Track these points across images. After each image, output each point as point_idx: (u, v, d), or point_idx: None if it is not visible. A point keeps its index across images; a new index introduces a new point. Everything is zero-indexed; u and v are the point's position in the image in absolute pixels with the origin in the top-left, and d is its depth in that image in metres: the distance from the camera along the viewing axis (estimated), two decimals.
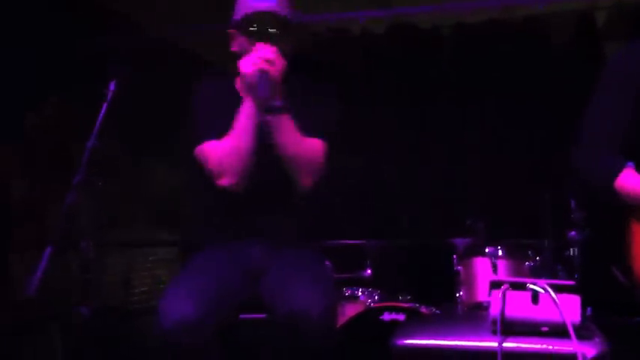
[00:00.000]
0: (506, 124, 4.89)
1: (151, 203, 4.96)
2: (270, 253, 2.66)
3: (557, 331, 2.15)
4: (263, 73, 2.41)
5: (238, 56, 2.60)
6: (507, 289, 2.20)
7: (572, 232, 3.69)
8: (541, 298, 2.16)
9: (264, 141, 2.54)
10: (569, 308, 2.13)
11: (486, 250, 3.72)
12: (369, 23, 4.78)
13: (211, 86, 2.76)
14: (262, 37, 2.54)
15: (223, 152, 2.55)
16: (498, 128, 4.90)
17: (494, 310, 2.20)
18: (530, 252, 3.74)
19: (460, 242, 3.95)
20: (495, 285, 2.25)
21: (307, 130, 2.56)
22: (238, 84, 2.72)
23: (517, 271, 3.63)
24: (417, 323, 2.94)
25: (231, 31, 2.68)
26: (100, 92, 2.57)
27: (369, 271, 4.07)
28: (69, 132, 3.98)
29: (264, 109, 2.47)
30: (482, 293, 3.64)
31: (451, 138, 4.90)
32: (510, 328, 2.20)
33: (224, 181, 2.56)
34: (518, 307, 2.19)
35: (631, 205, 2.29)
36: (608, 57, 4.68)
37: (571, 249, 3.69)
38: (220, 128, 2.56)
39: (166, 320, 2.32)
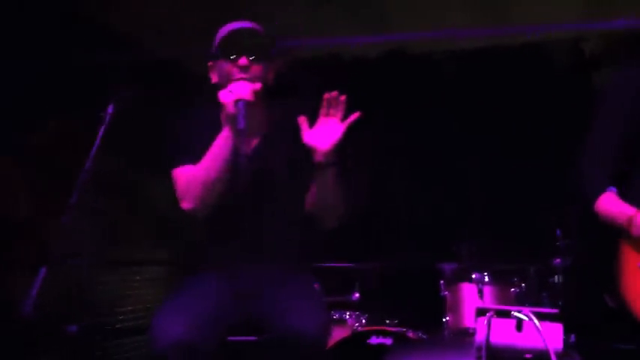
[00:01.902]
0: (495, 152, 4.97)
1: (147, 223, 4.99)
2: (262, 276, 2.69)
3: (541, 358, 2.20)
4: (240, 103, 2.45)
5: (219, 88, 2.63)
6: (492, 316, 2.26)
7: (557, 260, 3.77)
8: (525, 326, 2.22)
9: (256, 167, 2.58)
10: (551, 336, 2.19)
11: (473, 276, 3.79)
12: (360, 49, 4.87)
13: (198, 112, 2.81)
14: (241, 53, 2.58)
15: (191, 177, 2.60)
16: (487, 155, 4.98)
17: (480, 337, 2.25)
18: (515, 278, 3.81)
19: (447, 267, 4.01)
20: (481, 312, 2.30)
21: (301, 154, 2.62)
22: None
23: (503, 297, 3.69)
24: (405, 348, 2.98)
25: (210, 63, 2.72)
26: (99, 114, 2.61)
27: (357, 295, 4.11)
28: (70, 152, 4.02)
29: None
30: (468, 319, 3.69)
31: (439, 165, 4.97)
32: (495, 354, 2.25)
33: (184, 205, 2.62)
34: (502, 334, 2.24)
35: (621, 230, 2.36)
36: (598, 84, 4.86)
37: (556, 276, 3.76)
38: (198, 154, 2.61)
39: (158, 341, 2.34)
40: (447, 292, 3.86)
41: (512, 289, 3.76)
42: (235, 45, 2.61)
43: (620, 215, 2.36)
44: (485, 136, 4.98)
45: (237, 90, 2.50)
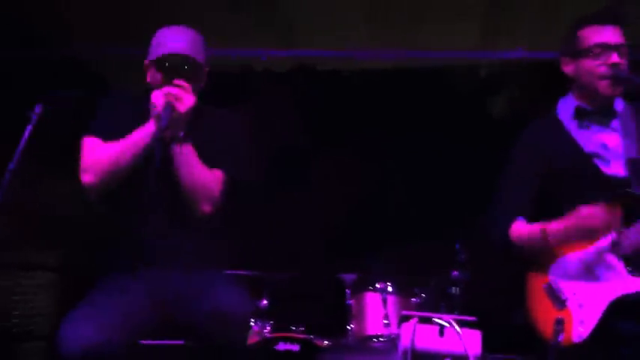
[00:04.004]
0: (399, 167, 5.20)
1: (42, 226, 4.81)
2: (178, 278, 2.70)
3: None
4: (169, 106, 2.55)
5: (151, 87, 2.73)
6: (417, 322, 2.42)
7: (455, 272, 4.02)
8: (447, 332, 2.39)
9: (167, 168, 2.62)
10: (471, 342, 2.37)
11: (377, 286, 3.96)
12: (272, 61, 4.98)
13: (120, 98, 2.88)
14: (175, 75, 2.66)
15: (101, 153, 2.63)
16: (390, 170, 5.19)
17: (405, 342, 2.40)
18: (416, 289, 4.02)
19: (352, 277, 4.16)
20: (405, 318, 2.45)
21: (214, 159, 2.70)
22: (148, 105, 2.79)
23: (405, 306, 3.89)
24: (330, 355, 3.08)
25: (146, 62, 2.80)
26: (26, 114, 2.57)
27: (265, 302, 4.18)
28: None
29: (169, 139, 2.59)
30: (372, 326, 3.86)
31: (345, 178, 5.13)
32: (419, 359, 2.40)
33: (85, 178, 2.64)
34: (426, 339, 2.40)
35: (527, 258, 2.57)
36: (492, 110, 5.20)
37: (453, 287, 4.00)
38: (112, 134, 2.65)
39: (66, 345, 2.32)
40: (352, 301, 4.00)
41: (414, 299, 3.97)
42: (170, 68, 2.70)
43: (533, 233, 2.53)
44: (389, 152, 5.19)
45: (170, 96, 2.60)
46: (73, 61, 4.58)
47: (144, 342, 2.71)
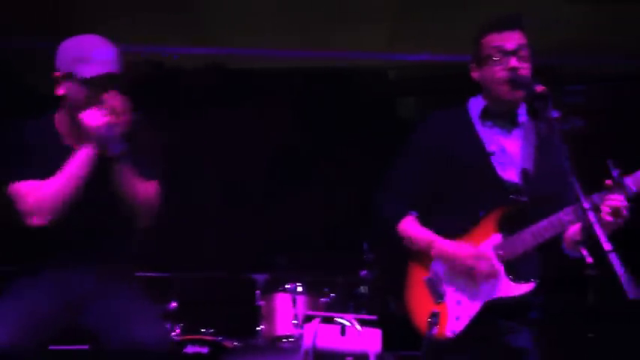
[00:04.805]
0: (307, 168, 5.23)
1: None
2: (94, 282, 2.65)
3: None
4: (113, 128, 2.47)
5: (64, 99, 2.62)
6: (319, 322, 2.44)
7: (364, 272, 4.09)
8: (348, 331, 2.42)
9: (96, 178, 2.57)
10: (371, 340, 2.41)
11: (287, 286, 3.98)
12: (183, 59, 4.94)
13: (32, 126, 2.69)
14: (106, 92, 2.56)
15: (42, 194, 2.54)
16: (299, 171, 5.23)
17: (307, 342, 2.42)
18: (326, 289, 4.06)
19: (262, 278, 4.17)
20: (308, 318, 2.47)
21: (147, 171, 2.65)
22: (59, 125, 2.69)
23: (314, 306, 3.91)
24: (233, 356, 3.07)
25: (59, 75, 2.62)
26: None
27: (174, 304, 4.13)
28: None
29: (109, 157, 2.52)
30: (281, 327, 3.87)
31: (253, 179, 5.15)
32: (320, 358, 2.43)
33: (35, 221, 2.55)
34: (328, 339, 2.43)
35: (412, 248, 2.64)
36: (399, 112, 5.30)
37: (361, 287, 4.07)
38: (37, 169, 2.56)
39: None
40: (262, 302, 4.01)
41: (323, 299, 4.00)
42: (101, 86, 2.58)
43: (421, 240, 2.60)
44: (298, 153, 5.22)
45: (110, 116, 2.51)
46: None
47: (55, 347, 2.67)
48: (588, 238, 2.45)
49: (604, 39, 4.75)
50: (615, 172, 2.33)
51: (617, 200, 2.32)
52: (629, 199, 2.34)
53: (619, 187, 2.32)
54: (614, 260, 2.06)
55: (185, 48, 4.91)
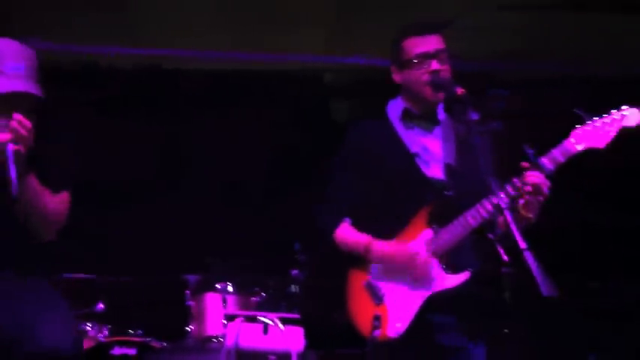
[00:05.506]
0: (239, 167, 5.21)
1: None
2: (3, 283, 2.58)
3: (284, 359, 2.42)
4: (14, 152, 2.31)
5: None
6: (242, 321, 2.44)
7: (295, 271, 4.09)
8: (271, 330, 2.42)
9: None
10: (293, 339, 2.42)
11: (217, 286, 3.95)
12: (117, 59, 4.87)
13: None
14: (12, 111, 2.39)
15: None
16: (231, 170, 5.20)
17: (229, 341, 2.42)
18: (257, 288, 4.05)
19: (192, 278, 4.13)
20: (230, 318, 2.46)
21: (54, 176, 2.57)
22: None
23: (245, 305, 3.88)
24: (154, 358, 3.04)
25: None
26: None
27: (101, 306, 4.06)
28: None
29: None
30: (212, 327, 3.84)
31: (189, 176, 5.11)
32: (242, 357, 2.43)
33: None
34: (250, 338, 2.43)
35: (352, 255, 2.66)
36: (335, 114, 5.33)
37: (293, 286, 4.07)
38: None
39: None
40: (192, 302, 3.97)
41: (254, 298, 3.98)
42: (10, 105, 2.43)
43: (357, 244, 2.62)
44: (230, 153, 5.20)
45: (13, 137, 2.35)
46: None
47: None
48: (505, 236, 2.54)
49: (536, 46, 4.89)
50: (531, 154, 2.40)
51: (535, 176, 2.38)
52: (548, 177, 2.40)
53: (536, 167, 2.39)
54: (529, 258, 2.12)
55: (119, 48, 4.83)
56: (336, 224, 2.68)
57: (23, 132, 2.38)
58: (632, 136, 2.42)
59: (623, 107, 2.42)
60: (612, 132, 2.39)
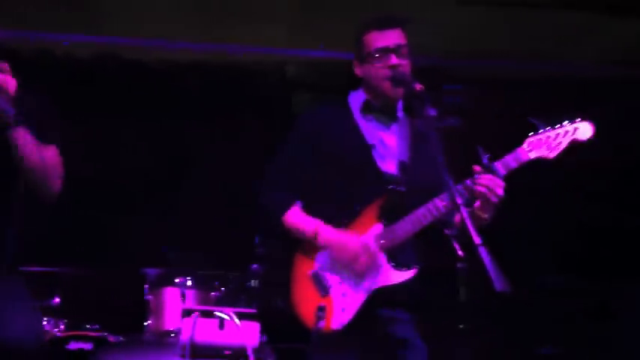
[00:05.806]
0: (199, 160, 5.18)
1: None
2: None
3: (239, 354, 2.41)
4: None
5: None
6: (198, 316, 2.42)
7: (255, 265, 4.08)
8: (226, 325, 2.41)
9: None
10: (249, 334, 2.41)
11: (176, 281, 3.92)
12: (74, 47, 4.79)
13: None
14: None
15: None
16: (190, 163, 5.17)
17: (184, 336, 2.40)
18: (216, 282, 4.02)
19: (152, 272, 4.09)
20: (186, 313, 2.45)
21: (42, 131, 2.53)
22: None
23: (204, 300, 3.86)
24: (108, 352, 3.01)
25: None
26: None
27: (57, 300, 4.00)
28: None
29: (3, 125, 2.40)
30: (170, 321, 3.80)
31: (141, 168, 5.06)
32: (198, 352, 2.41)
33: None
34: (206, 333, 2.41)
35: (299, 239, 2.65)
36: (295, 107, 5.32)
37: (252, 280, 4.06)
38: None
39: None
40: (150, 296, 3.93)
41: (213, 293, 3.96)
42: None
43: (307, 229, 2.60)
44: (187, 145, 5.17)
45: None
46: None
47: None
48: (461, 232, 2.56)
49: (493, 42, 4.93)
50: (485, 158, 2.42)
51: (488, 179, 2.40)
52: (503, 179, 2.42)
53: (489, 171, 2.42)
54: (484, 254, 2.13)
55: (77, 35, 4.75)
56: (286, 206, 2.67)
57: (3, 74, 2.39)
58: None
59: (577, 120, 2.45)
60: (564, 144, 2.43)
